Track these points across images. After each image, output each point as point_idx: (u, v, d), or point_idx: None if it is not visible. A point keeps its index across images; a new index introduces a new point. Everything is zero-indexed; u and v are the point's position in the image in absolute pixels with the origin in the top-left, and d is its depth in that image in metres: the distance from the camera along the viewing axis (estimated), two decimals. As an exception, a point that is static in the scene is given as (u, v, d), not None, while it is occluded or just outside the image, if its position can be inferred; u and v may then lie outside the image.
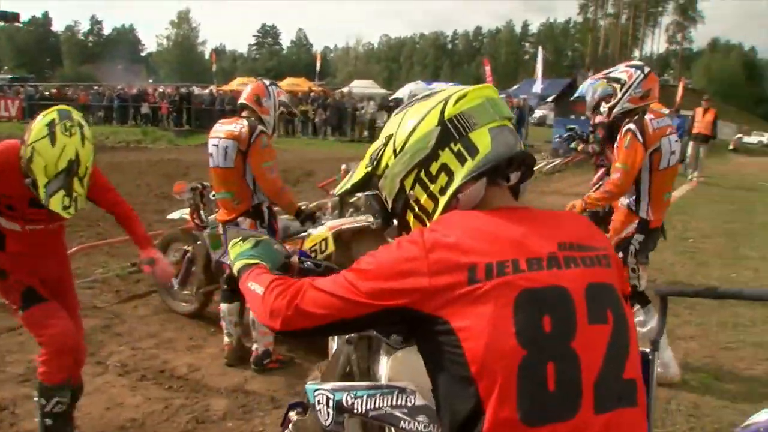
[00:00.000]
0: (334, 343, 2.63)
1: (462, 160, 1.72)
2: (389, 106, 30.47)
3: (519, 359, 1.49)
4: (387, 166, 1.83)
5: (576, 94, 7.94)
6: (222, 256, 4.93)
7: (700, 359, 5.64)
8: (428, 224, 1.74)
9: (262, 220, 5.18)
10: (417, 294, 1.57)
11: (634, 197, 5.12)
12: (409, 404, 1.99)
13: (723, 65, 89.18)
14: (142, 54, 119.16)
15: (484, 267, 1.54)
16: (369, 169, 1.89)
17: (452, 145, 1.73)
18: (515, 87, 50.54)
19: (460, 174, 1.72)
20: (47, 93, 39.76)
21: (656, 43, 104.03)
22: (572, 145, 8.36)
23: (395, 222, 1.93)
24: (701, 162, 19.83)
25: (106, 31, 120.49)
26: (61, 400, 3.69)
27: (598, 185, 7.92)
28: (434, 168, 1.75)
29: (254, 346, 5.18)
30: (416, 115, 1.80)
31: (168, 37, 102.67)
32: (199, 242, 6.03)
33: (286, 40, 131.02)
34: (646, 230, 5.10)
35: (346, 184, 2.02)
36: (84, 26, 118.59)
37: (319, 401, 2.14)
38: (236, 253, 2.15)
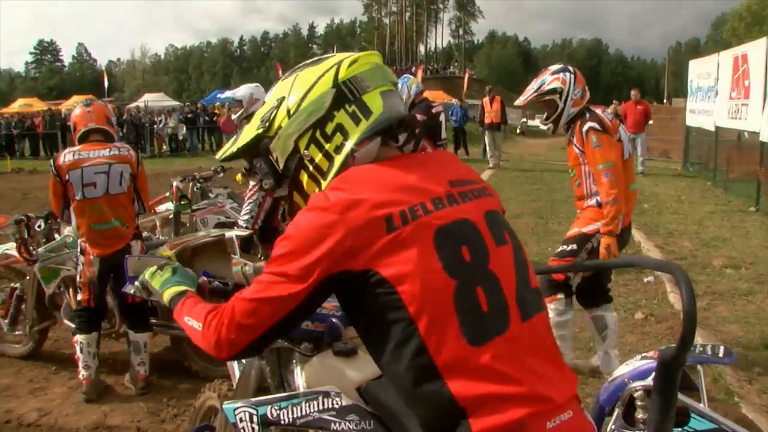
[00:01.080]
0: (235, 363, 2.59)
1: (357, 121, 1.81)
2: (187, 118, 29.98)
3: (452, 289, 1.61)
4: (280, 127, 1.87)
5: None
6: (126, 287, 4.64)
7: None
8: (323, 182, 1.83)
9: (142, 240, 5.29)
10: (342, 255, 1.62)
11: None
12: (336, 406, 2.00)
13: (501, 55, 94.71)
14: None
15: (399, 214, 1.63)
16: (260, 131, 1.90)
17: (347, 106, 1.81)
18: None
19: (356, 133, 1.80)
20: None
21: (440, 37, 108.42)
22: None
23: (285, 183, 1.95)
24: (499, 148, 20.88)
25: None
26: None
27: None
28: (330, 128, 1.82)
29: (143, 369, 5.06)
30: (309, 78, 1.86)
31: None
32: (28, 278, 5.63)
33: (67, 56, 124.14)
34: None
35: (231, 147, 2.01)
36: None
37: (241, 419, 2.09)
38: (160, 283, 2.18)
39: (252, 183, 7.30)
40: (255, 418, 2.08)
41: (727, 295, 7.00)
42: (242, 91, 7.45)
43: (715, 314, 6.41)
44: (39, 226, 5.50)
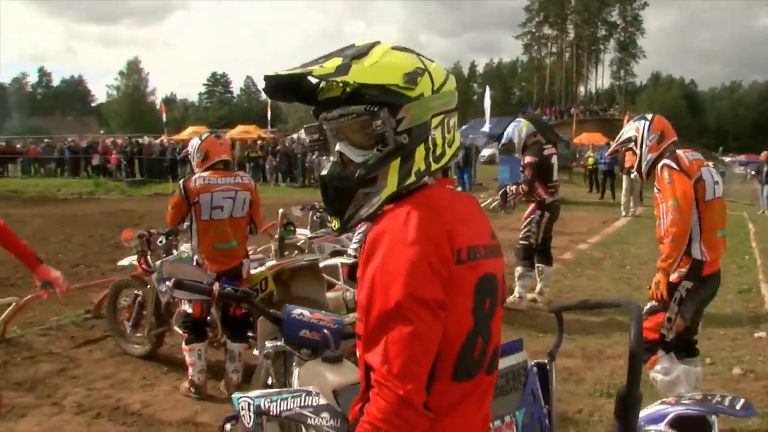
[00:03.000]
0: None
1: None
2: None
3: (467, 330, 1.73)
4: (421, 95, 1.77)
5: (503, 140, 8.39)
6: (160, 286, 5.44)
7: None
8: (434, 165, 1.81)
9: (249, 259, 5.93)
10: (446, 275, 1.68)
11: None
12: (314, 404, 2.36)
13: (665, 98, 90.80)
14: (93, 105, 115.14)
15: (466, 250, 1.73)
16: (404, 86, 1.76)
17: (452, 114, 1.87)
18: (464, 127, 49.85)
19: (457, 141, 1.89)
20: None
21: (601, 78, 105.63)
22: (508, 198, 8.75)
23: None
24: (637, 196, 19.84)
25: (55, 82, 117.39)
26: None
27: (530, 218, 8.34)
28: (451, 122, 1.86)
29: (236, 377, 5.57)
30: (439, 68, 1.86)
31: (118, 87, 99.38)
32: (148, 287, 6.33)
33: (236, 88, 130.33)
34: (698, 275, 4.66)
35: (342, 75, 1.72)
36: (32, 78, 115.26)
37: (242, 407, 2.50)
38: None
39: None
40: (252, 408, 2.46)
41: None
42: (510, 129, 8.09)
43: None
44: (160, 242, 6.19)
